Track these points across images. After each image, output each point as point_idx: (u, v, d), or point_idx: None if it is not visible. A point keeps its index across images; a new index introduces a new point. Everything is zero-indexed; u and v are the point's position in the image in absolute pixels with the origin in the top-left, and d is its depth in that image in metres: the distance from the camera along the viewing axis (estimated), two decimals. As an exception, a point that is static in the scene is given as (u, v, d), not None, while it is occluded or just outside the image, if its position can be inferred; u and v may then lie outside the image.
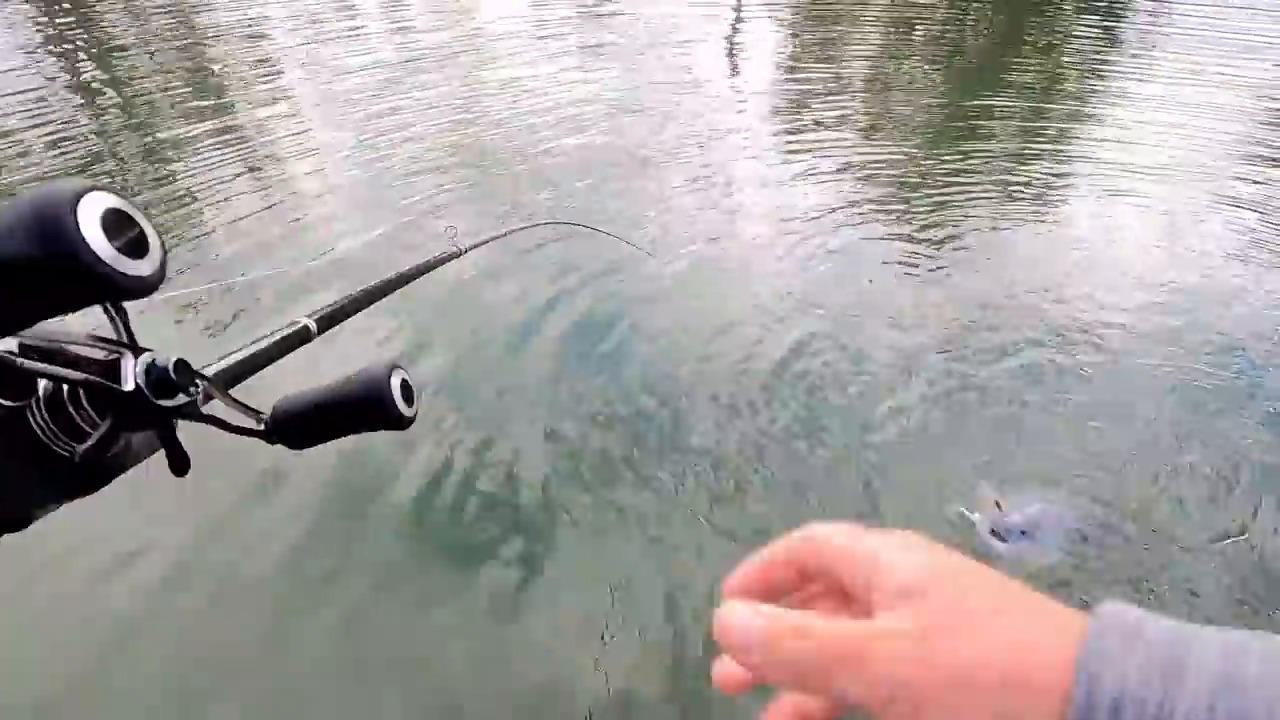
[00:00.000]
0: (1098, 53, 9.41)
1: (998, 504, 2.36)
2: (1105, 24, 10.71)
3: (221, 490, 2.73)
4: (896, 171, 5.76)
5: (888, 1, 11.47)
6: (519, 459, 2.96)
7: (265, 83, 7.58)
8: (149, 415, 0.56)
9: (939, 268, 4.37)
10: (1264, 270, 4.39)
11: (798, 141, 6.31)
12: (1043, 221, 5.06)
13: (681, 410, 3.20)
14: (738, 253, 4.58)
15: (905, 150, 6.23)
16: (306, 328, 0.86)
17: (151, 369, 0.55)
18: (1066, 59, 9.29)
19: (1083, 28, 10.60)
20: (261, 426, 0.66)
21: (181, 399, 0.57)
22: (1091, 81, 8.45)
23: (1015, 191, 5.45)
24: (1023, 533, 2.30)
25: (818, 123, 6.71)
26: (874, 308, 3.94)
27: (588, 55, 8.67)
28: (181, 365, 0.57)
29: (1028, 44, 10.06)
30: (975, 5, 12.26)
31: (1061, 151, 6.36)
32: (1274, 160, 6.08)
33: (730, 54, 9.21)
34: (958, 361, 3.52)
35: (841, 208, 5.05)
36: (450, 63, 8.21)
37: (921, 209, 5.14)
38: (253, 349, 0.79)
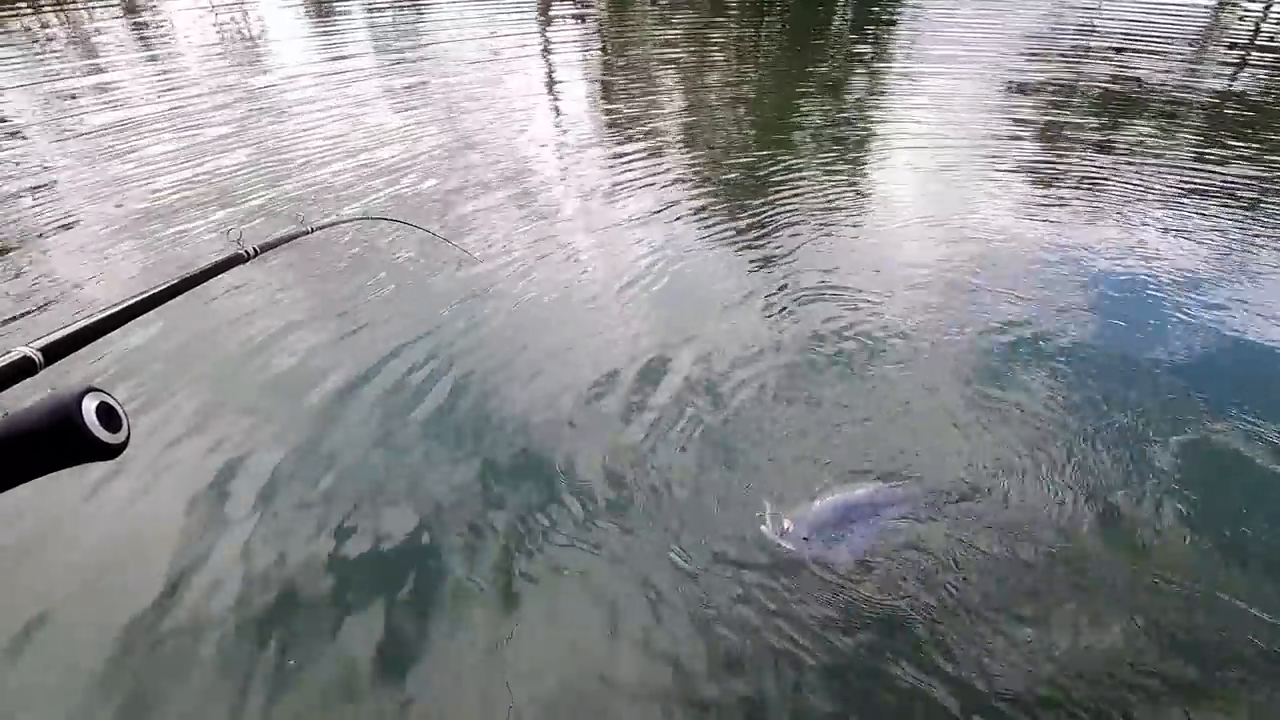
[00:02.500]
0: (873, 55, 10.40)
1: (784, 517, 2.37)
2: (876, 31, 11.84)
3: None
4: (708, 175, 6.00)
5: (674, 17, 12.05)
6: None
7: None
8: None
9: (756, 258, 4.55)
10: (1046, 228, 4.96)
11: (617, 157, 6.41)
12: (853, 208, 5.42)
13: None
14: (561, 264, 4.54)
15: (714, 156, 6.50)
16: (28, 359, 0.73)
17: None
18: (850, 61, 10.20)
19: (857, 35, 11.69)
20: None
21: None
22: (871, 78, 9.32)
23: (825, 183, 5.81)
24: (805, 538, 2.32)
25: (634, 137, 6.88)
26: (706, 312, 4.02)
27: (400, 96, 8.42)
28: None
29: (814, 48, 10.95)
30: (766, 20, 13.18)
31: (861, 139, 6.90)
32: (1023, 131, 6.95)
33: (547, 83, 9.29)
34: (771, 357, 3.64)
35: (661, 209, 5.18)
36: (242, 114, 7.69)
37: (737, 207, 5.35)
38: None
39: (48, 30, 11.65)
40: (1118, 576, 2.40)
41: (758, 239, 4.78)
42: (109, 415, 0.62)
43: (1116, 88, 8.61)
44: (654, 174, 5.91)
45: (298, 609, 2.32)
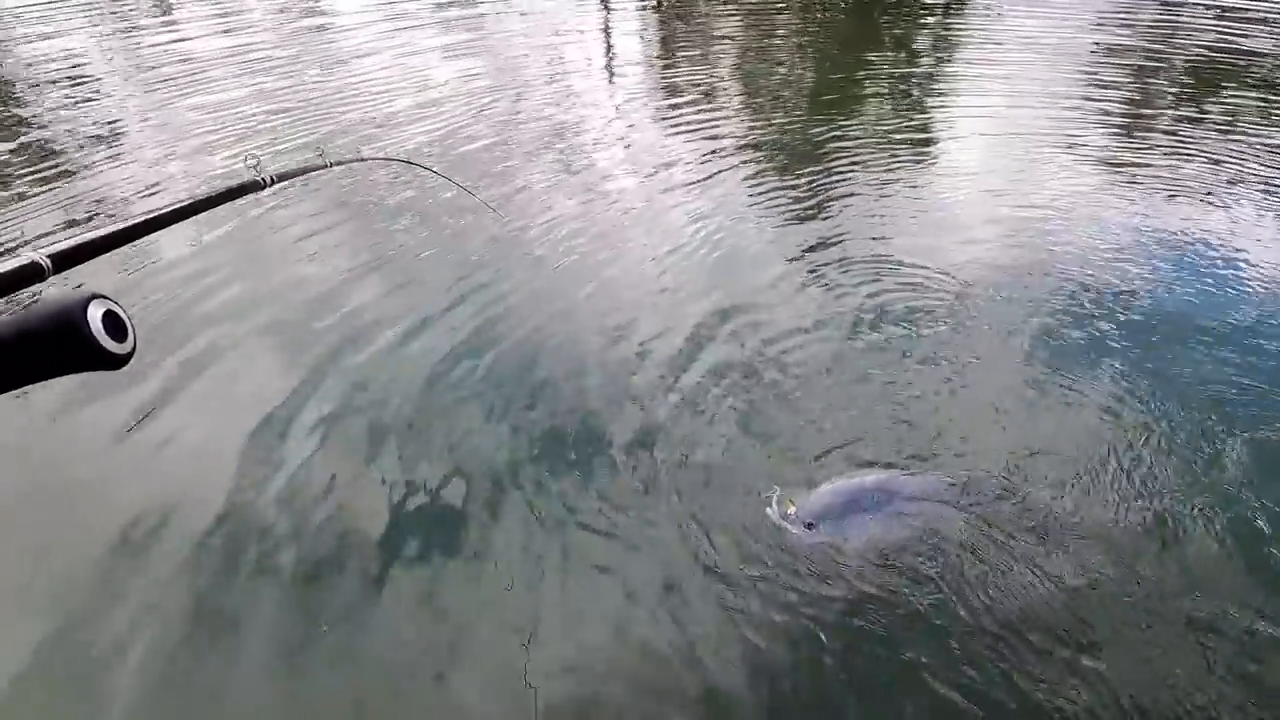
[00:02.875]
0: (946, 18, 9.84)
1: (790, 501, 2.25)
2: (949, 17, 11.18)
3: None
4: (764, 139, 5.76)
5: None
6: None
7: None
8: None
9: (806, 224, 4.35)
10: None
11: (670, 119, 6.21)
12: (916, 183, 5.14)
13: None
14: (608, 219, 4.43)
15: (771, 120, 6.24)
16: (36, 264, 0.71)
17: None
18: (921, 24, 9.67)
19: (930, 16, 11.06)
20: None
21: None
22: (943, 42, 8.82)
23: (884, 157, 5.53)
24: (810, 525, 2.20)
25: (688, 99, 6.65)
26: (754, 279, 3.87)
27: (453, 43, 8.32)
28: None
29: (884, 8, 10.42)
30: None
31: (927, 116, 6.55)
32: (1106, 99, 6.48)
33: (605, 44, 9.06)
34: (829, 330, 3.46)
35: (712, 174, 5.00)
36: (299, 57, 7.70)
37: (792, 174, 5.14)
38: None
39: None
40: (1170, 609, 2.10)
41: (811, 207, 4.58)
42: (115, 324, 0.61)
43: (1214, 55, 7.96)
44: (707, 137, 5.71)
45: (325, 561, 2.32)
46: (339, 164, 1.56)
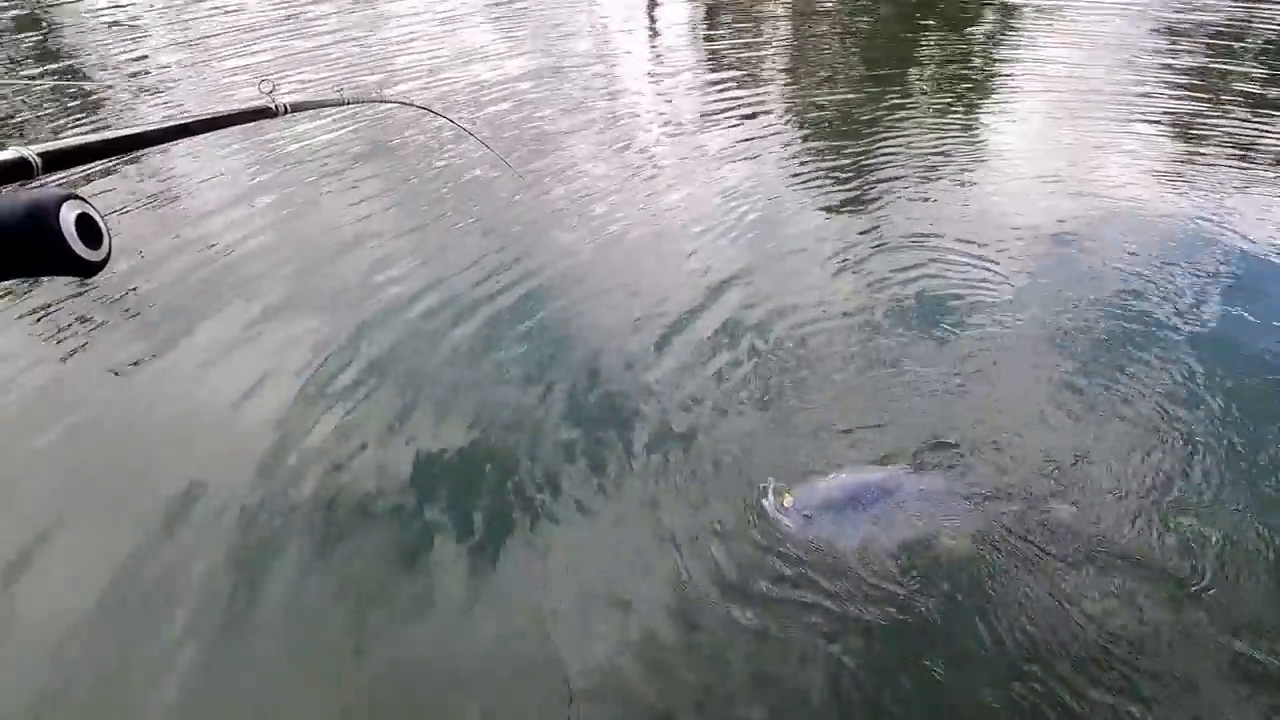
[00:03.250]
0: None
1: (787, 492, 2.17)
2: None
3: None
4: (806, 113, 5.58)
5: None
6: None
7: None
8: None
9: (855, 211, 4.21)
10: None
11: (709, 88, 6.04)
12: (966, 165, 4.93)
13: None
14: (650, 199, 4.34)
15: (814, 93, 6.03)
16: (25, 160, 0.66)
17: None
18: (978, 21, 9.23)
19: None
20: None
21: None
22: (1002, 11, 8.40)
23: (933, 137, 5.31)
24: (806, 516, 2.10)
25: (730, 68, 6.46)
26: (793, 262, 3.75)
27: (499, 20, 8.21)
28: None
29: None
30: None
31: (980, 97, 6.26)
32: (1174, 79, 6.11)
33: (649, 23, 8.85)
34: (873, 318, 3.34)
35: (750, 147, 4.86)
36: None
37: (834, 150, 4.96)
38: None
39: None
40: (1212, 646, 1.89)
41: (852, 186, 4.41)
42: (89, 228, 0.58)
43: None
44: (747, 108, 5.55)
45: (347, 532, 2.33)
46: (356, 103, 1.55)
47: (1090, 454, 2.50)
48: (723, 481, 2.42)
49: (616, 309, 3.31)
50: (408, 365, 2.99)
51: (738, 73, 6.32)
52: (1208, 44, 7.18)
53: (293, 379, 2.89)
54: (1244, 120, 5.44)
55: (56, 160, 0.70)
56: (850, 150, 4.90)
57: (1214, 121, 5.43)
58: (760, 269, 3.58)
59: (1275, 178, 4.53)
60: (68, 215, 0.56)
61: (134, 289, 3.45)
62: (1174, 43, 7.21)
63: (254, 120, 1.15)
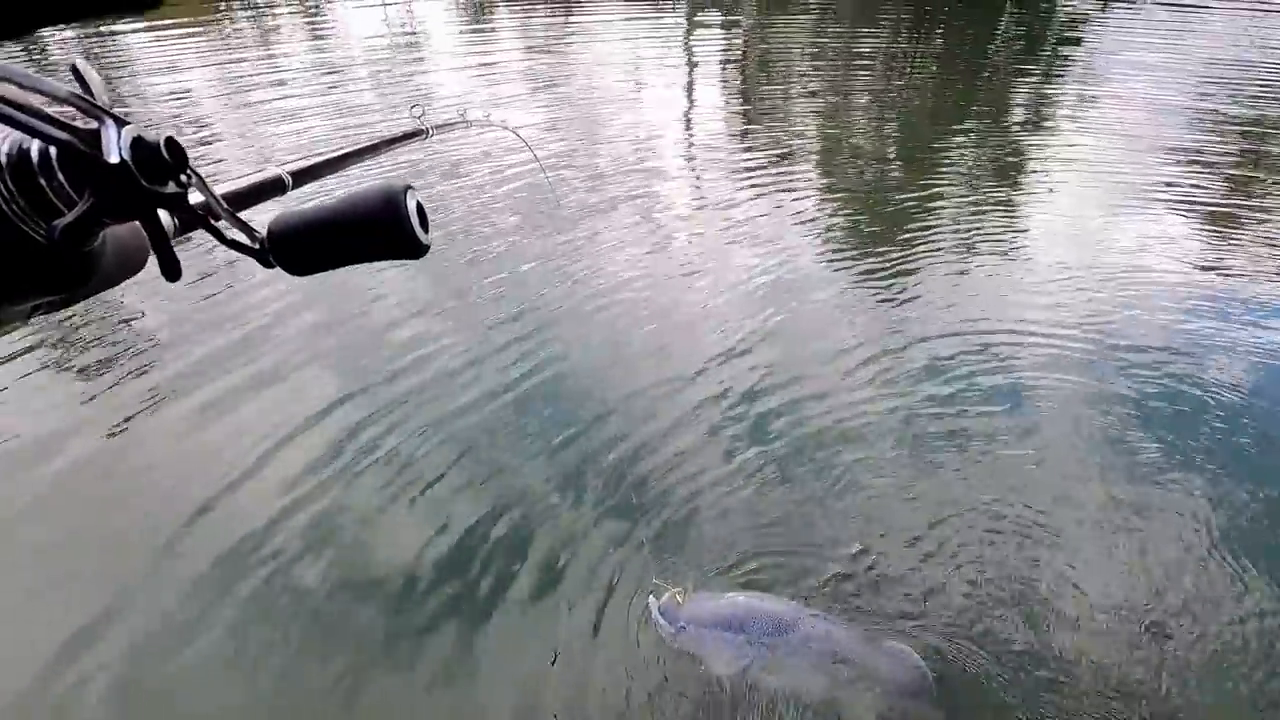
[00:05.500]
0: (1041, 78, 9.58)
1: (679, 596, 2.00)
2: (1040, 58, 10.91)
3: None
4: (841, 203, 5.64)
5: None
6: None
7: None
8: (134, 198, 0.48)
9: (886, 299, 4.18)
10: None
11: (744, 171, 6.17)
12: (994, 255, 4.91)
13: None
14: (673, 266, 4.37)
15: (851, 184, 6.12)
16: (280, 178, 0.84)
17: (140, 144, 0.48)
18: (1013, 83, 9.44)
19: (1024, 54, 10.80)
20: (256, 245, 0.62)
21: (172, 187, 0.50)
22: (1038, 103, 8.55)
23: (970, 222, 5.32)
24: (682, 626, 1.94)
25: (765, 151, 6.61)
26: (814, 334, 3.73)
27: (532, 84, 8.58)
28: (173, 145, 0.50)
29: (976, 67, 10.22)
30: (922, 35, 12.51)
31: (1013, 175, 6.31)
32: (1209, 172, 6.09)
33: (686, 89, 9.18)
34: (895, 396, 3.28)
35: (781, 231, 4.90)
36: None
37: (866, 240, 4.99)
38: (228, 187, 0.75)
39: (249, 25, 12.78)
40: None
41: (883, 278, 4.37)
42: (423, 216, 0.65)
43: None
44: (781, 191, 5.61)
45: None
46: (482, 124, 1.78)
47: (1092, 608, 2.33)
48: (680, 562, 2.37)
49: (631, 383, 3.35)
50: (408, 429, 3.02)
51: (772, 157, 6.43)
52: (1243, 135, 7.20)
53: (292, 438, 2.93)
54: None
55: (301, 177, 0.87)
56: (886, 242, 4.91)
57: (1251, 214, 5.37)
58: (778, 357, 3.54)
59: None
60: (411, 203, 0.63)
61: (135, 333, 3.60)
62: (1209, 134, 7.24)
63: (409, 143, 1.31)
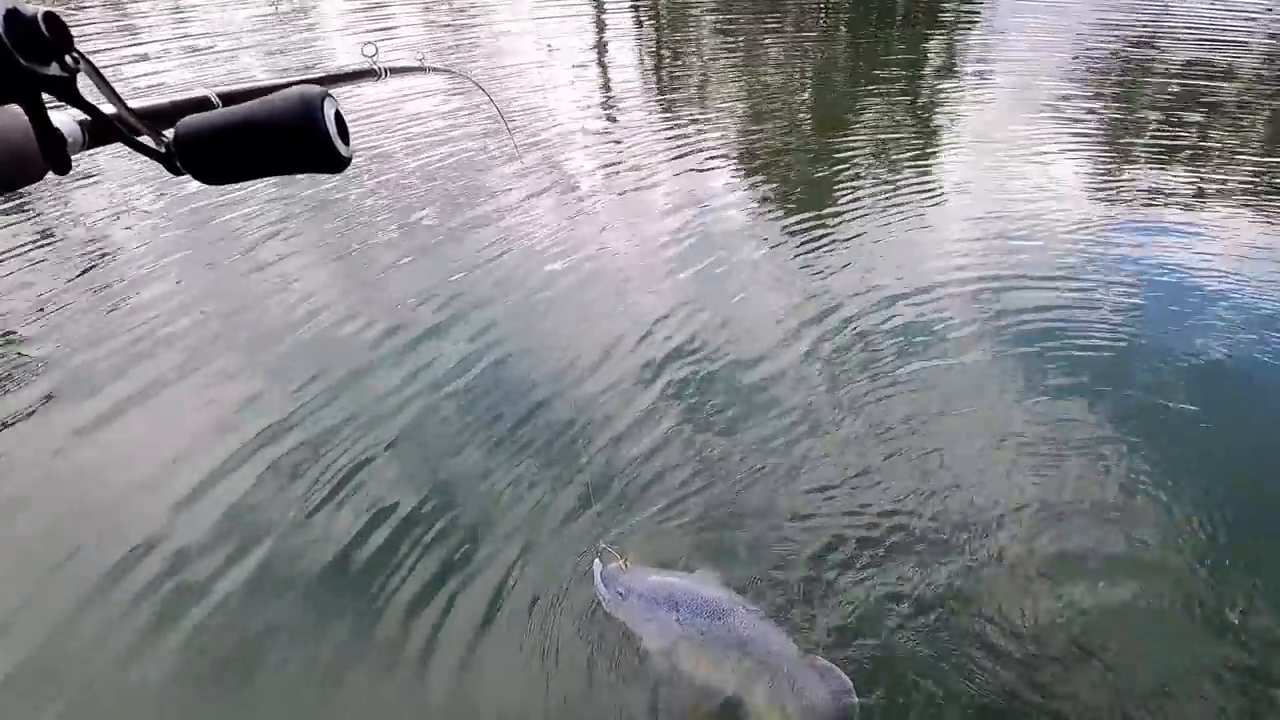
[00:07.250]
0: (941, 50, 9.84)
1: (624, 562, 1.97)
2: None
3: None
4: (758, 167, 5.67)
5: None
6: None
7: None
8: (10, 77, 0.44)
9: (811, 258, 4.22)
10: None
11: (665, 142, 6.11)
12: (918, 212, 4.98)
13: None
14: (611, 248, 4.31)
15: (767, 150, 6.13)
16: (208, 98, 0.74)
17: (14, 17, 0.44)
18: (916, 56, 9.62)
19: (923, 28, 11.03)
20: (163, 149, 0.58)
21: (55, 69, 0.47)
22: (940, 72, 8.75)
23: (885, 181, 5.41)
24: (620, 593, 1.92)
25: (684, 124, 6.55)
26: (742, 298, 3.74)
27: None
28: (54, 20, 0.45)
29: (879, 42, 10.39)
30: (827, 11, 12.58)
31: (926, 135, 6.45)
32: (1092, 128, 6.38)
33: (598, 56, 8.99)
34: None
35: (701, 197, 4.90)
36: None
37: (787, 201, 5.03)
38: (148, 102, 0.65)
39: None
40: None
41: (807, 238, 4.37)
42: (342, 126, 0.61)
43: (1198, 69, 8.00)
44: (699, 157, 5.58)
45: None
46: (440, 71, 1.61)
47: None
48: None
49: (564, 357, 3.28)
50: (330, 422, 2.88)
51: (690, 129, 6.33)
52: (1127, 96, 7.55)
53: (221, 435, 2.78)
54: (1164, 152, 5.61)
55: (228, 100, 0.75)
56: (807, 204, 4.94)
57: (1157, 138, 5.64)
58: (704, 313, 3.56)
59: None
60: (328, 111, 0.59)
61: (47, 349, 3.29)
62: (1091, 95, 7.55)
63: (360, 81, 1.22)
